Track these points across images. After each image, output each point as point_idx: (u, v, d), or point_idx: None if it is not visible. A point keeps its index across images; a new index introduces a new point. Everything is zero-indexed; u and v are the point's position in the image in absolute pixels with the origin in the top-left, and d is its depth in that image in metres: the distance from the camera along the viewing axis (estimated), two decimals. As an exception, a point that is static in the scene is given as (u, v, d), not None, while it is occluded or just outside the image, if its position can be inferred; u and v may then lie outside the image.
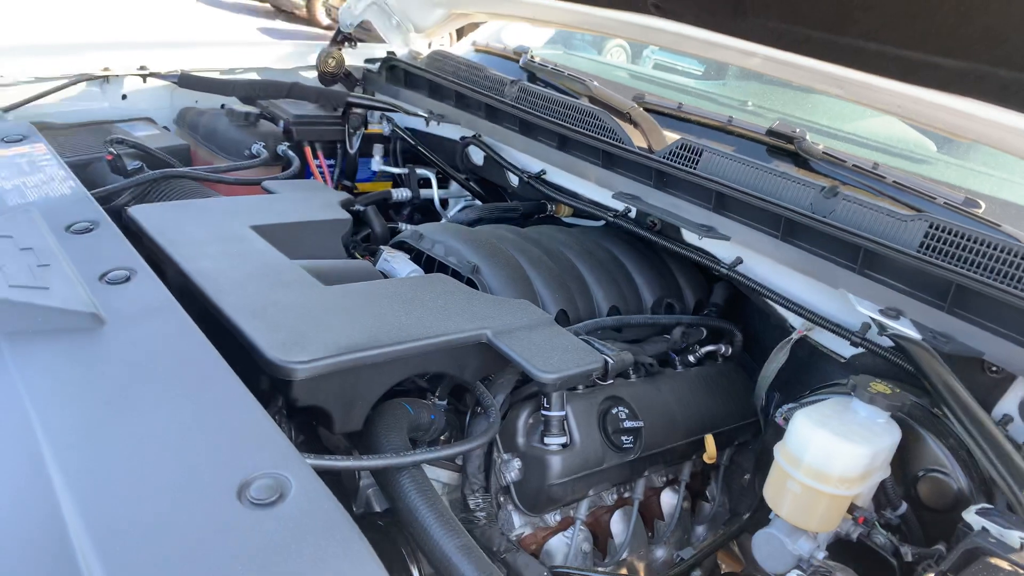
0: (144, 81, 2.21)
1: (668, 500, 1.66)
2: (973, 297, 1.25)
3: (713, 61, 2.50)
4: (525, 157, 2.06)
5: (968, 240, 1.29)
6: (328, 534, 0.68)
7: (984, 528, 1.11)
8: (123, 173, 1.70)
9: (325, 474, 1.38)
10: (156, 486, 0.71)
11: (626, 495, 1.58)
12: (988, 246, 1.27)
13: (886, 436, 1.17)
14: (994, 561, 1.05)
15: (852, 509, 1.17)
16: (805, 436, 1.14)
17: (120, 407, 0.80)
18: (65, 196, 1.26)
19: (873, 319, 1.32)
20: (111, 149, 1.70)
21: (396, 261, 1.62)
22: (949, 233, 1.31)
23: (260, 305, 1.14)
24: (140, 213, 1.41)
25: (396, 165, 2.41)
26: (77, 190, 1.28)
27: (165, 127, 2.25)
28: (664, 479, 1.67)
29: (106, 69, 2.12)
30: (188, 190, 1.76)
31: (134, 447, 0.75)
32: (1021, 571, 1.02)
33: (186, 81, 2.20)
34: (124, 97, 2.19)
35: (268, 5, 13.80)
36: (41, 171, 1.31)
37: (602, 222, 1.93)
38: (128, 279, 1.04)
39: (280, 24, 12.64)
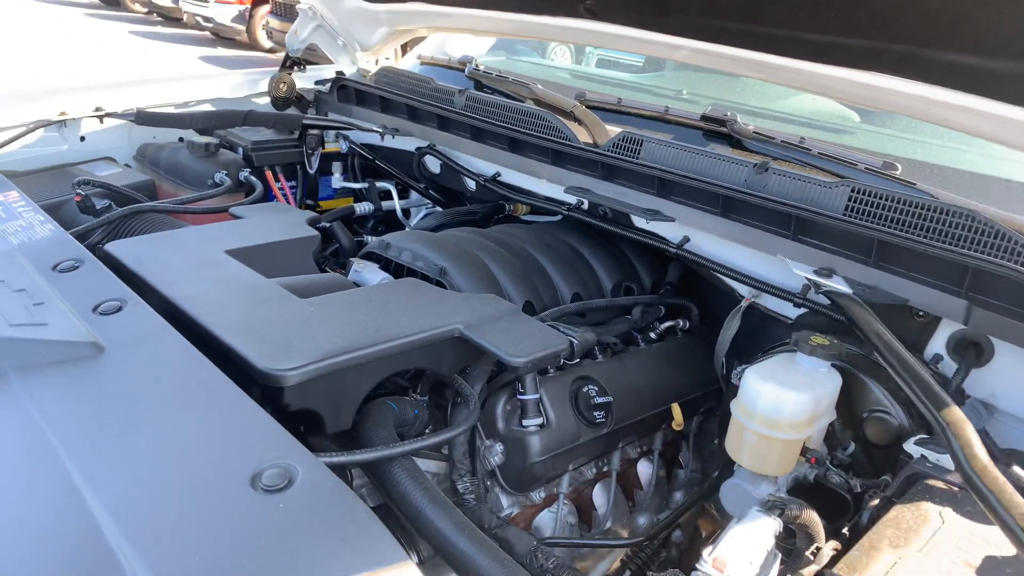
0: (101, 122, 2.25)
1: (644, 470, 1.77)
2: (894, 251, 1.38)
3: (648, 55, 2.62)
4: (479, 161, 2.16)
5: (887, 200, 1.42)
6: (336, 509, 0.77)
7: (923, 455, 1.24)
8: (92, 212, 1.76)
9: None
10: (177, 485, 0.79)
11: (604, 468, 1.68)
12: (905, 203, 1.40)
13: (828, 383, 1.29)
14: (931, 483, 1.17)
15: (804, 451, 1.29)
16: (755, 390, 1.25)
17: (133, 422, 0.88)
18: (46, 238, 1.32)
19: (809, 279, 1.45)
20: (79, 190, 1.76)
21: (367, 271, 1.70)
22: (870, 195, 1.44)
23: (246, 322, 1.22)
24: (117, 248, 1.47)
25: (356, 180, 2.49)
26: (57, 232, 1.35)
27: (126, 165, 2.30)
28: (639, 450, 1.77)
29: (63, 113, 2.17)
30: (158, 223, 1.83)
31: (151, 454, 0.83)
32: (955, 488, 1.14)
33: (143, 118, 2.26)
34: (83, 139, 2.24)
35: (208, 33, 13.73)
36: (19, 217, 1.37)
37: (558, 216, 2.04)
38: (120, 309, 1.11)
39: (222, 51, 12.59)
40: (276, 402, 1.17)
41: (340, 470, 1.47)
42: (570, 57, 3.99)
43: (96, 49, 11.68)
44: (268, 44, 12.14)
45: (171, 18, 15.03)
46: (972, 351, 1.37)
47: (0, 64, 9.60)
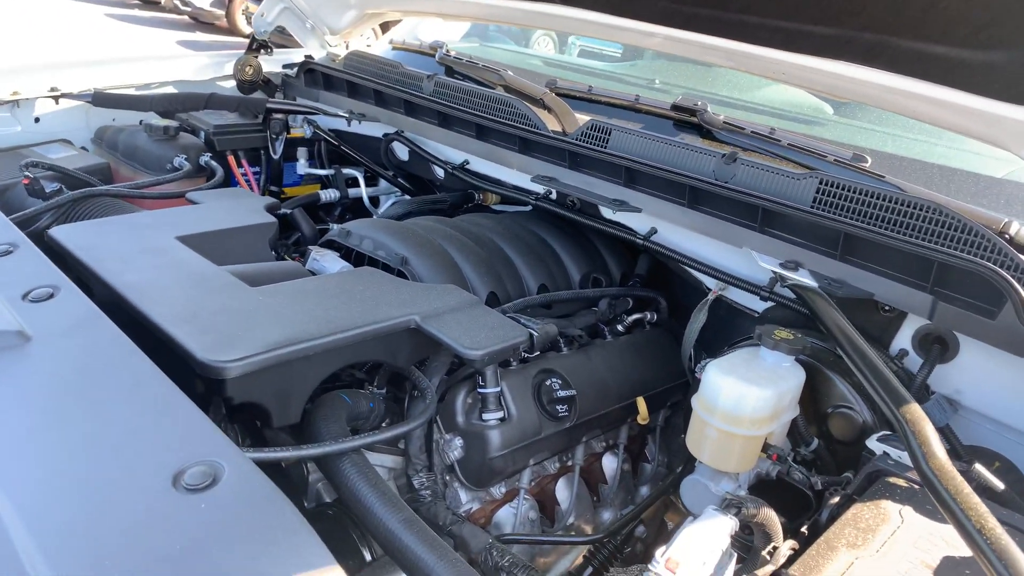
0: (57, 102, 2.18)
1: (609, 464, 1.74)
2: (861, 244, 1.36)
3: (620, 43, 2.58)
4: (447, 149, 2.11)
5: (855, 192, 1.39)
6: (262, 509, 0.73)
7: (885, 452, 1.21)
8: (41, 196, 1.70)
9: (274, 471, 1.43)
10: (94, 483, 0.74)
11: (568, 463, 1.65)
12: (872, 196, 1.37)
13: (791, 378, 1.26)
14: (892, 480, 1.15)
15: (766, 448, 1.26)
16: (717, 384, 1.22)
17: (52, 415, 0.83)
18: (-19, 222, 1.26)
19: (775, 272, 1.42)
20: (27, 173, 1.69)
21: (325, 260, 1.65)
22: (838, 187, 1.42)
23: (189, 311, 1.17)
24: (61, 233, 1.41)
25: (322, 167, 2.43)
26: (-7, 215, 1.29)
27: (83, 147, 2.22)
28: (604, 444, 1.74)
29: (15, 93, 2.09)
30: (111, 208, 1.76)
31: (69, 450, 0.78)
32: (916, 486, 1.12)
33: (100, 99, 2.18)
34: (37, 120, 2.16)
35: (186, 18, 13.48)
36: (-46, 199, 1.31)
37: (528, 206, 2.00)
38: (52, 296, 1.06)
39: (200, 36, 12.36)
40: (219, 394, 1.12)
41: (296, 465, 1.44)
42: (553, 47, 3.94)
43: (68, 31, 11.42)
44: (248, 30, 11.92)
45: (149, 1, 14.74)
46: (937, 347, 1.35)
47: (-31, 44, 9.36)
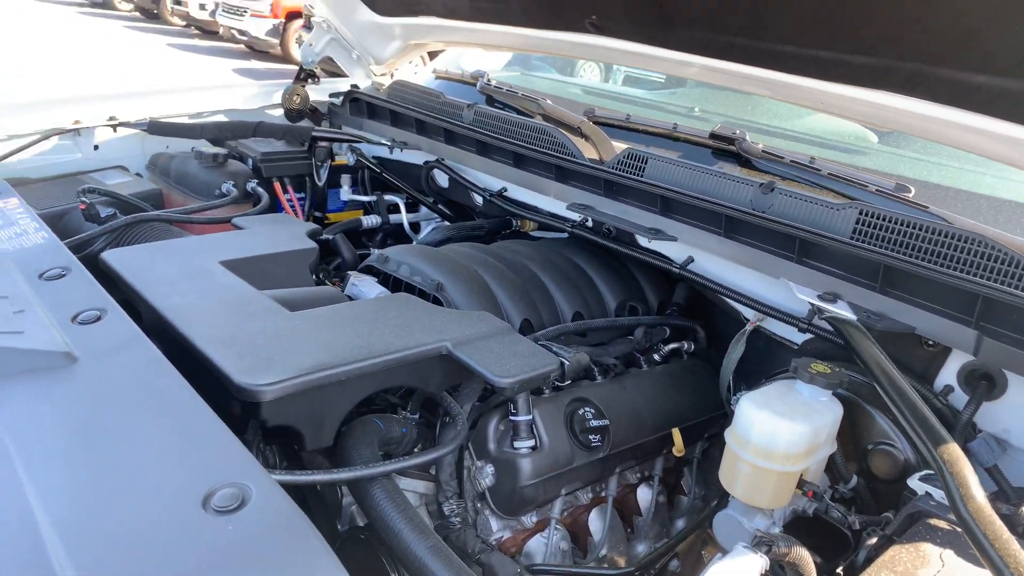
0: (115, 131, 2.28)
1: (644, 495, 1.72)
2: (902, 276, 1.33)
3: (657, 72, 2.59)
4: (486, 176, 2.14)
5: (897, 223, 1.37)
6: (287, 533, 0.74)
7: (927, 492, 1.17)
8: (97, 221, 1.77)
9: (310, 493, 1.45)
10: (127, 501, 0.77)
11: (601, 493, 1.63)
12: (914, 227, 1.34)
13: (827, 413, 1.23)
14: (933, 522, 1.11)
15: (802, 484, 1.23)
16: (750, 418, 1.20)
17: (92, 434, 0.86)
18: (38, 246, 1.32)
19: (812, 304, 1.40)
20: (83, 199, 1.77)
21: (364, 285, 1.68)
22: (879, 218, 1.39)
23: (228, 334, 1.20)
24: (113, 257, 1.47)
25: (365, 193, 2.48)
26: (49, 239, 1.35)
27: (138, 174, 2.32)
28: (639, 475, 1.72)
29: (77, 122, 2.19)
30: (162, 233, 1.83)
31: (105, 468, 0.81)
32: (959, 529, 1.08)
33: (155, 128, 2.28)
34: (96, 148, 2.26)
35: (243, 47, 13.98)
36: (15, 224, 1.38)
37: (566, 234, 2.00)
38: (99, 318, 1.10)
39: (256, 63, 12.80)
40: (255, 417, 1.15)
41: (331, 488, 1.46)
42: (599, 75, 3.96)
43: (134, 62, 11.96)
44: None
45: (208, 31, 15.34)
46: (984, 383, 1.31)
47: (42, 74, 9.89)
